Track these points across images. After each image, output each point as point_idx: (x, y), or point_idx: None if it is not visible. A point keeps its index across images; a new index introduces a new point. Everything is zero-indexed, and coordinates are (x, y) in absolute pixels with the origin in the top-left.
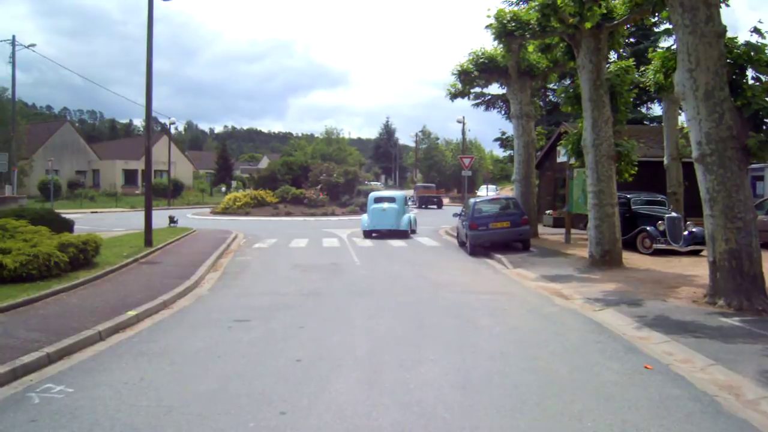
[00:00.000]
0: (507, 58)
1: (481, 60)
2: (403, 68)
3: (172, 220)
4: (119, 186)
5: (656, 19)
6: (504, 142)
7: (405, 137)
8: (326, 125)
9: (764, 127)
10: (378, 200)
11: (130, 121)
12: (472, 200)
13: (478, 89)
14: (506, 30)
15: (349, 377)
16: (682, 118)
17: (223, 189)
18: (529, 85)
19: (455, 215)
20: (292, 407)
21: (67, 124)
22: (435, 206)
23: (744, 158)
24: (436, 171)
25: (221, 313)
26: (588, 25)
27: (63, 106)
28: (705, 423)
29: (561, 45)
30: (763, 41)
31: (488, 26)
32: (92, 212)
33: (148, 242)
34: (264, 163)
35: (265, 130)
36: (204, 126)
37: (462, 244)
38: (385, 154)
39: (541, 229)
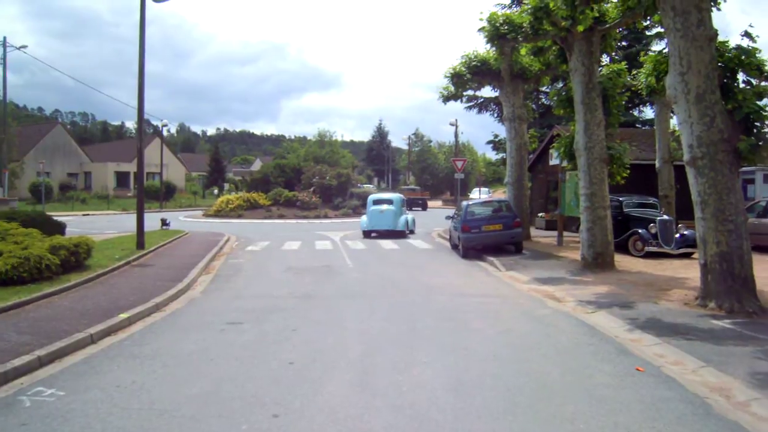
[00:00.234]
0: (499, 61)
1: (474, 63)
2: (396, 71)
3: (164, 222)
4: (111, 188)
5: (648, 22)
6: (496, 144)
7: (398, 140)
8: (319, 128)
9: (755, 131)
10: (377, 202)
11: (122, 123)
12: (464, 203)
13: (470, 92)
14: (499, 33)
15: (342, 379)
16: (673, 121)
17: (216, 191)
18: (522, 88)
19: (448, 218)
20: (284, 410)
21: (59, 126)
22: (420, 208)
23: (735, 161)
24: (429, 174)
25: (214, 315)
26: (580, 28)
27: (54, 108)
28: (696, 425)
29: (553, 48)
30: (754, 45)
31: (481, 29)
32: (84, 215)
33: (140, 245)
34: (257, 165)
35: (257, 132)
36: (196, 128)
37: (455, 247)
38: (377, 157)
39: (533, 231)
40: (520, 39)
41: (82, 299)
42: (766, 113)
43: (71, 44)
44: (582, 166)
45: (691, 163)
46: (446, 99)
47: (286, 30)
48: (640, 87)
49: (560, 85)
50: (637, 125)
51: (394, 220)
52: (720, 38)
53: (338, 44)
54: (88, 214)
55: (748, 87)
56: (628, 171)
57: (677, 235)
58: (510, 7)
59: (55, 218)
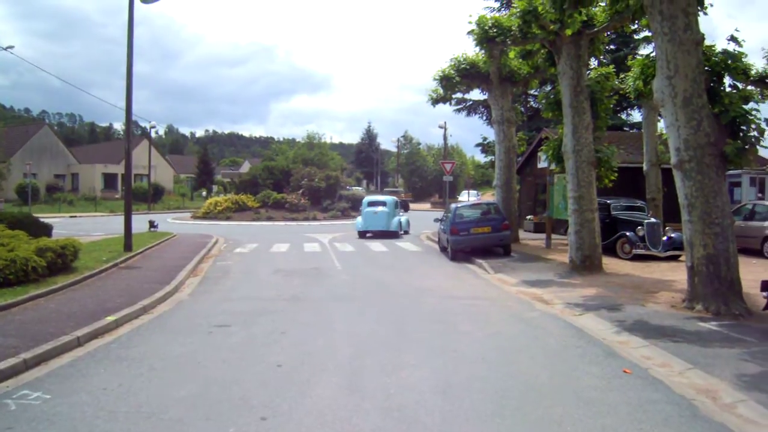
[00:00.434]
0: (488, 64)
1: (463, 66)
2: (385, 73)
3: (152, 224)
4: (99, 190)
5: (636, 26)
6: (485, 147)
7: (387, 142)
8: (308, 130)
9: (741, 134)
10: (371, 204)
11: (110, 124)
12: (453, 205)
13: (459, 95)
14: (488, 36)
15: (330, 382)
16: (661, 125)
17: (204, 193)
18: (511, 91)
19: (436, 220)
20: (272, 412)
21: (46, 127)
22: (402, 210)
23: (721, 165)
24: (418, 176)
25: (202, 318)
26: (569, 32)
27: (41, 109)
28: (683, 427)
29: (542, 51)
30: (740, 49)
31: (470, 32)
32: (71, 216)
33: (128, 247)
34: (245, 167)
35: (246, 134)
36: (185, 130)
37: (443, 249)
38: (366, 159)
39: (522, 234)
40: (509, 42)
41: (69, 302)
42: (752, 117)
43: (59, 45)
44: (570, 169)
45: (678, 167)
46: (435, 101)
47: (274, 32)
48: (627, 90)
49: (549, 88)
50: (624, 128)
51: (387, 221)
52: (707, 42)
53: (327, 46)
54: (75, 216)
55: (735, 91)
56: (616, 174)
57: (664, 238)
58: (499, 10)
59: (41, 220)
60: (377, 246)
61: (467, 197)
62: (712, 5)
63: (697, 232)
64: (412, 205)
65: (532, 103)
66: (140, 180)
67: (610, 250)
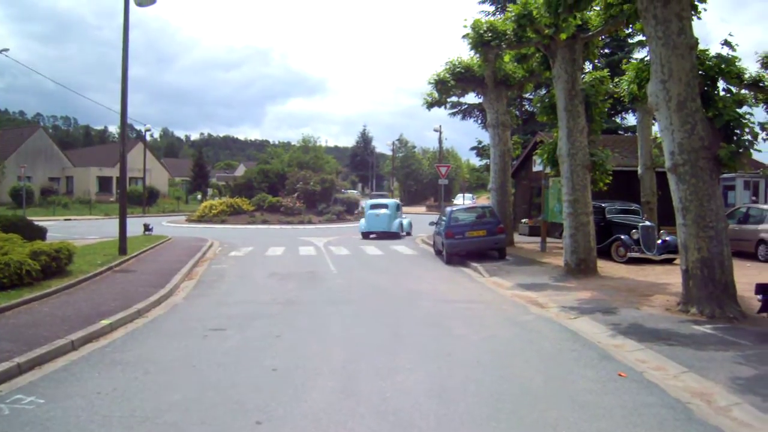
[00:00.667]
0: (483, 67)
1: (458, 69)
2: (380, 77)
3: (147, 228)
4: (93, 193)
5: (630, 30)
6: (480, 151)
7: (382, 145)
8: (303, 133)
9: (735, 138)
10: (373, 207)
11: (105, 127)
12: (448, 209)
13: (454, 98)
14: (483, 40)
15: (325, 386)
16: (655, 128)
17: (199, 197)
18: (506, 95)
19: (431, 224)
20: (267, 417)
21: (41, 130)
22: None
23: (716, 168)
24: (413, 179)
25: (196, 322)
26: (563, 36)
27: (36, 112)
28: (678, 430)
29: (537, 55)
30: (734, 54)
31: (465, 36)
32: (65, 220)
33: (123, 250)
34: (240, 170)
35: (241, 137)
36: (180, 133)
37: (438, 253)
38: (362, 163)
39: (516, 237)
40: (504, 46)
41: (63, 305)
42: (745, 121)
43: (54, 48)
44: (565, 173)
45: (673, 170)
46: (430, 105)
47: (270, 35)
48: (622, 94)
49: (543, 92)
50: (619, 132)
51: (389, 222)
52: (700, 47)
53: (323, 49)
54: (69, 219)
55: (728, 95)
56: (611, 177)
57: (659, 241)
58: (494, 14)
59: (36, 223)
60: (372, 249)
61: (462, 200)
62: (705, 9)
63: (692, 236)
64: (406, 209)
65: (527, 106)
66: (135, 183)
67: (605, 254)
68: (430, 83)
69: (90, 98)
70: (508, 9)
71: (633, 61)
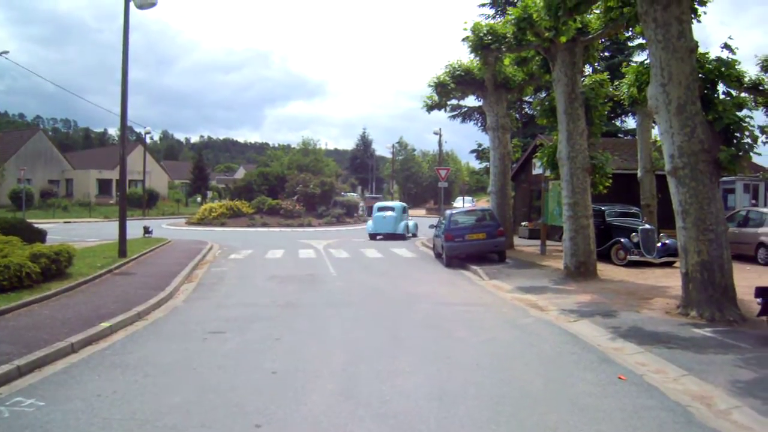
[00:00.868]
0: (483, 70)
1: (458, 72)
2: (380, 79)
3: (146, 230)
4: (93, 196)
5: (630, 33)
6: (480, 153)
7: (382, 148)
8: (303, 136)
9: (735, 141)
10: (381, 209)
11: (105, 130)
12: (448, 212)
13: (454, 101)
14: (483, 43)
15: (325, 389)
16: (655, 131)
17: (199, 199)
18: (505, 98)
19: (431, 227)
20: (267, 420)
21: (40, 133)
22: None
23: (715, 171)
24: (413, 182)
25: (196, 324)
26: (563, 39)
27: (36, 115)
28: None
29: (537, 58)
30: (733, 57)
31: (465, 39)
32: (65, 222)
33: (123, 253)
34: (240, 173)
35: (241, 140)
36: (180, 136)
37: (438, 256)
38: (361, 165)
39: (516, 240)
40: (504, 49)
41: (63, 308)
42: (745, 124)
43: (54, 50)
44: (565, 176)
45: (673, 173)
46: (430, 108)
47: (270, 38)
48: (622, 97)
49: (543, 95)
50: (619, 135)
51: (395, 224)
52: (700, 50)
53: (322, 52)
54: (69, 222)
55: (728, 98)
56: (611, 180)
57: (659, 244)
58: (494, 17)
59: (35, 225)
60: (372, 252)
61: (462, 203)
62: (705, 13)
63: (692, 239)
64: None
65: (526, 109)
66: (135, 186)
67: (605, 257)
68: (430, 86)
69: (90, 101)
70: (508, 12)
71: (633, 64)
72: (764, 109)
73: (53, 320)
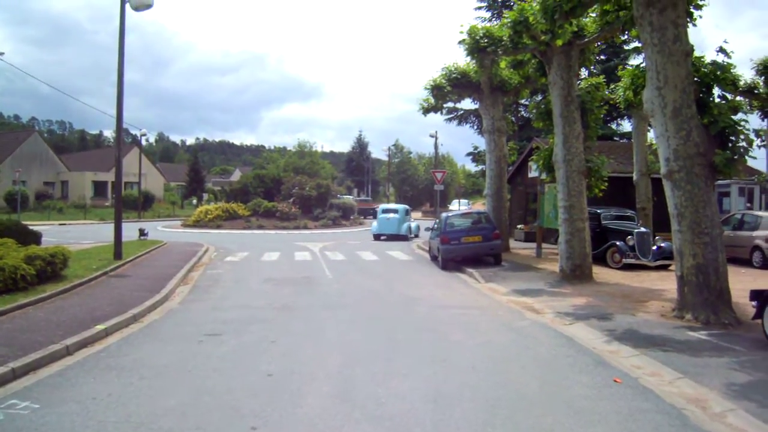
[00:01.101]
0: (479, 73)
1: (454, 75)
2: (376, 82)
3: (142, 232)
4: (88, 198)
5: (626, 37)
6: (476, 156)
7: (378, 151)
8: (299, 138)
9: (730, 145)
10: (384, 211)
11: (101, 132)
12: (444, 214)
13: (450, 104)
14: (479, 46)
15: (321, 391)
16: (651, 135)
17: (195, 201)
18: (501, 101)
19: (427, 229)
20: (263, 422)
21: (36, 134)
22: (372, 217)
23: (711, 175)
24: (409, 185)
25: (192, 326)
26: (559, 42)
27: (31, 116)
28: None
29: (533, 61)
30: (729, 60)
31: (461, 42)
32: (60, 224)
33: (118, 255)
34: (236, 175)
35: (237, 142)
36: (176, 138)
37: (434, 258)
38: (357, 168)
39: (512, 243)
40: (500, 52)
41: (58, 310)
42: (741, 128)
43: (49, 52)
44: (561, 179)
45: (668, 177)
46: (426, 111)
47: (266, 40)
48: (618, 100)
49: (539, 98)
50: (615, 138)
51: (398, 226)
52: (696, 53)
53: (318, 55)
54: (64, 224)
55: (724, 101)
56: (606, 183)
57: (654, 248)
58: (490, 20)
59: (30, 227)
60: (368, 255)
61: (458, 206)
62: (701, 17)
63: (687, 242)
64: None
65: (522, 112)
66: (130, 188)
67: (601, 260)
68: (426, 89)
69: (85, 102)
70: (504, 15)
71: (629, 67)
72: (759, 113)
73: (48, 322)
